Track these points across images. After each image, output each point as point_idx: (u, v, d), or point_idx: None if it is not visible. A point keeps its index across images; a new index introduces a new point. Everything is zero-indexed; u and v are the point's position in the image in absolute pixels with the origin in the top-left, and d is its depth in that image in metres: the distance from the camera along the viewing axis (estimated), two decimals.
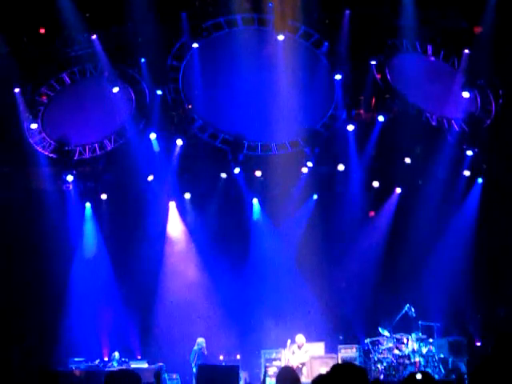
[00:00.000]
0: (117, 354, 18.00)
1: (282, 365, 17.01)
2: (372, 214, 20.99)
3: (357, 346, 18.23)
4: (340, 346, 18.25)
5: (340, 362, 17.52)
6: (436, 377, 15.60)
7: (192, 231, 20.32)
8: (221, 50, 19.40)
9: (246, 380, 17.15)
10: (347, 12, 19.02)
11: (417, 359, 16.84)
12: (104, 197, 19.93)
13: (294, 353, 17.66)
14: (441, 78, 19.83)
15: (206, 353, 17.93)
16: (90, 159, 19.42)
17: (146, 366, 17.71)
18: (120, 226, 19.63)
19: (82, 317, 18.95)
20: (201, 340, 18.11)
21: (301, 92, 18.91)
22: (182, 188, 20.16)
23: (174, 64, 19.42)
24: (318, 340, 18.56)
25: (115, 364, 17.70)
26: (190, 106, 19.53)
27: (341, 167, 19.80)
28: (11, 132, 18.92)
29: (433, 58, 20.07)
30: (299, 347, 17.70)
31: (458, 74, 19.56)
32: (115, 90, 18.84)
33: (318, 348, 18.29)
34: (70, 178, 18.94)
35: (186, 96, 19.52)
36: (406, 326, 17.54)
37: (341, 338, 19.65)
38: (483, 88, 19.64)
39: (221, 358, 18.86)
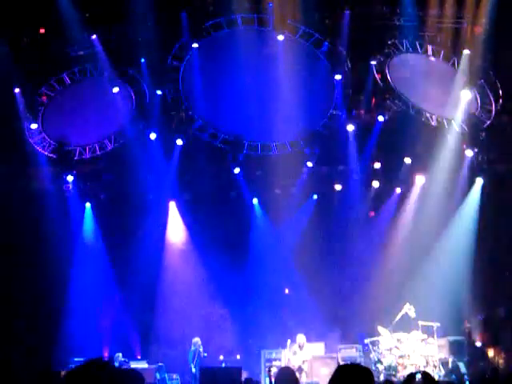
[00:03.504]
0: (120, 355, 17.99)
1: (283, 365, 16.99)
2: (372, 214, 21.00)
3: (357, 345, 18.22)
4: (340, 346, 18.23)
5: (340, 361, 17.51)
6: (436, 377, 15.59)
7: (192, 231, 20.31)
8: (221, 50, 19.40)
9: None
10: (347, 12, 19.04)
11: (417, 359, 16.84)
12: (104, 197, 19.97)
13: (295, 353, 17.61)
14: (441, 78, 19.83)
15: (202, 354, 17.84)
16: (89, 159, 19.42)
17: (146, 366, 17.69)
18: (120, 225, 19.62)
19: (82, 317, 18.93)
20: (196, 340, 18.07)
21: (301, 92, 18.89)
22: (181, 188, 20.16)
23: (174, 64, 19.42)
24: (318, 340, 18.54)
25: (116, 364, 17.67)
26: (189, 107, 19.52)
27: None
28: (11, 132, 18.92)
29: (433, 58, 20.07)
30: (300, 347, 17.62)
31: (458, 74, 19.57)
32: (115, 90, 18.86)
33: (318, 348, 18.27)
34: (70, 178, 18.96)
35: (186, 96, 19.53)
36: (405, 326, 17.53)
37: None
38: (483, 88, 19.65)
39: (221, 357, 18.84)
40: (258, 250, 20.23)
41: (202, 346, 17.95)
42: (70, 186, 19.26)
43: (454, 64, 19.90)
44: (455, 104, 19.35)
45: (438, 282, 18.97)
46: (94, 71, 19.48)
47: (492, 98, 19.71)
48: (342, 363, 17.08)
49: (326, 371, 16.58)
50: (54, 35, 18.96)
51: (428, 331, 17.31)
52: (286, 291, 20.08)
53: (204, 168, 19.83)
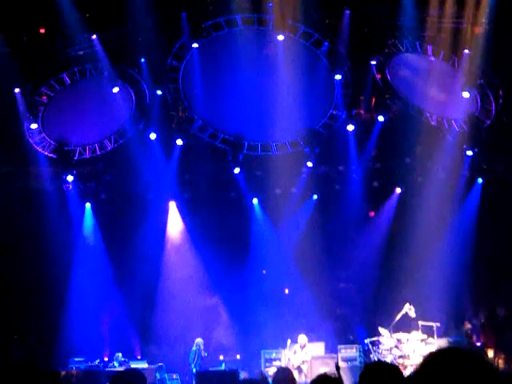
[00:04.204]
0: (120, 355, 17.99)
1: (282, 365, 16.99)
2: (372, 214, 20.99)
3: (357, 346, 18.21)
4: (340, 346, 18.21)
5: (340, 362, 17.50)
6: None
7: (192, 231, 20.30)
8: (221, 50, 19.42)
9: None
10: (347, 12, 19.05)
11: (417, 359, 16.83)
12: (104, 197, 19.99)
13: (295, 352, 17.59)
14: (441, 78, 19.83)
15: (203, 354, 17.88)
16: (90, 159, 19.43)
17: (146, 366, 17.68)
18: (120, 226, 19.62)
19: (82, 317, 18.93)
20: (199, 341, 18.09)
21: (301, 92, 18.90)
22: (181, 188, 20.16)
23: (174, 64, 19.44)
24: (318, 340, 18.53)
25: (116, 364, 17.68)
26: (189, 107, 19.53)
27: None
28: (11, 132, 18.93)
29: (433, 58, 20.08)
30: (301, 347, 17.59)
31: (458, 74, 19.57)
32: (115, 90, 18.87)
33: (318, 348, 18.27)
34: (70, 178, 18.95)
35: (185, 96, 19.53)
36: (405, 326, 17.53)
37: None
38: (483, 88, 19.66)
39: (221, 357, 18.85)
40: (258, 250, 20.23)
41: (203, 346, 18.01)
42: (70, 186, 19.26)
43: (453, 64, 19.90)
44: (455, 104, 19.36)
45: (437, 282, 18.94)
46: (94, 71, 19.47)
47: (492, 98, 19.72)
48: (341, 363, 17.12)
49: (326, 371, 16.53)
50: (54, 35, 18.97)
51: (428, 331, 17.30)
52: (286, 291, 20.09)
53: (204, 168, 19.84)
